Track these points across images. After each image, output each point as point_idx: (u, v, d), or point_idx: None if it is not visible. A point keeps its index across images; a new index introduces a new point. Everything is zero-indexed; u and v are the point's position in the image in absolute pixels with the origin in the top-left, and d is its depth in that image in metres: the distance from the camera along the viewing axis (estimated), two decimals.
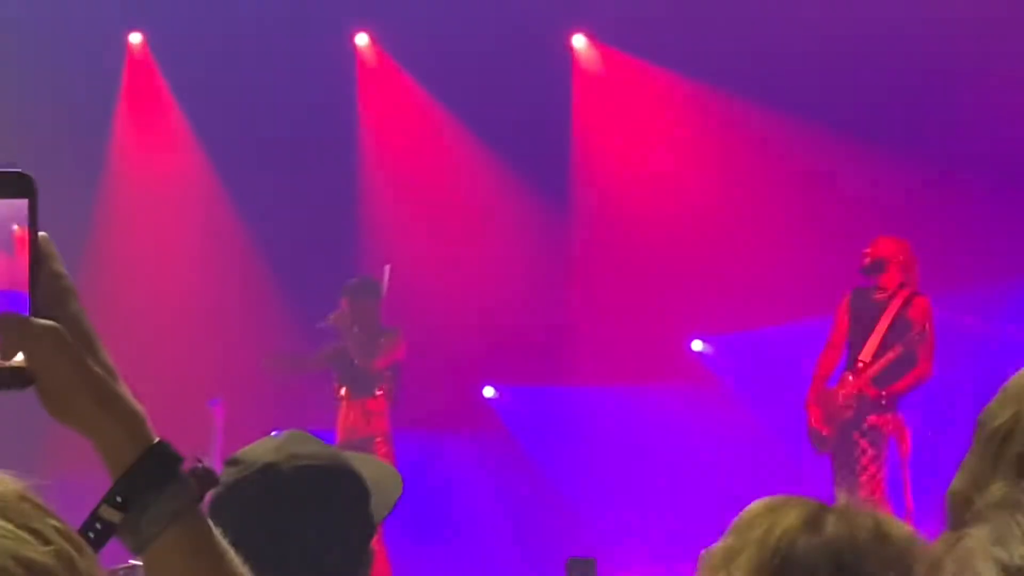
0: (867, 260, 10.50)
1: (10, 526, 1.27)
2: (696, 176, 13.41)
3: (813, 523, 2.36)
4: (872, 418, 10.14)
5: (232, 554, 1.70)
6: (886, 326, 10.24)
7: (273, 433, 3.17)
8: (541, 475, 13.79)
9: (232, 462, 2.99)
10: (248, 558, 2.58)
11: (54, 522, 1.31)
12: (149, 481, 1.62)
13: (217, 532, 1.69)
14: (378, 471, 3.15)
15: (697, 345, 13.88)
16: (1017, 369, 1.62)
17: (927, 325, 10.21)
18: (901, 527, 2.36)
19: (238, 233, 13.57)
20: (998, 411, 1.58)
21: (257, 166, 13.45)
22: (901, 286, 10.35)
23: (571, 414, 13.91)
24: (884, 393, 10.14)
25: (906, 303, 10.26)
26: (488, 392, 14.13)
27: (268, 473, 2.94)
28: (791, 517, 2.36)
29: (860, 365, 10.33)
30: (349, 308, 11.00)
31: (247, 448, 3.04)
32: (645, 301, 13.38)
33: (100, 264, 12.52)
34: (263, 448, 3.03)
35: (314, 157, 13.51)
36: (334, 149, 13.57)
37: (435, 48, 13.26)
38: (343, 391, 11.04)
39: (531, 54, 13.19)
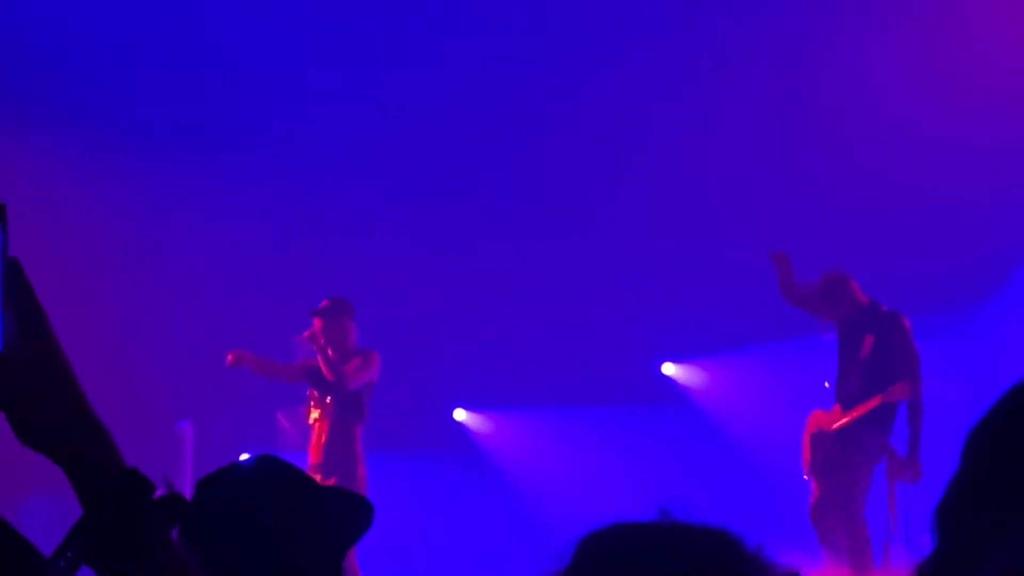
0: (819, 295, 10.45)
1: None
2: (667, 196, 13.43)
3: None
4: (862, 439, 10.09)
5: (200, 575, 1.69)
6: (867, 351, 10.18)
7: (243, 456, 3.16)
8: (513, 497, 13.78)
9: (202, 485, 2.97)
10: None
11: (20, 544, 1.30)
12: (120, 509, 1.61)
13: (187, 560, 1.67)
14: (348, 499, 3.15)
15: (668, 368, 13.89)
16: (1000, 383, 1.61)
17: (906, 343, 10.12)
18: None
19: (208, 252, 13.53)
20: (987, 430, 1.58)
21: (232, 186, 13.44)
22: (861, 311, 10.29)
23: (543, 436, 13.90)
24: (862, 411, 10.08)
25: (882, 324, 10.20)
26: (459, 414, 14.12)
27: (238, 497, 2.92)
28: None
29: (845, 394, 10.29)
30: (321, 328, 10.95)
31: (217, 471, 3.03)
32: (617, 323, 13.39)
33: (70, 286, 12.47)
34: (233, 472, 3.01)
35: (283, 176, 13.51)
36: (305, 168, 13.56)
37: None
38: (315, 413, 11.00)
39: None
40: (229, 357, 10.92)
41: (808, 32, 12.90)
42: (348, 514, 3.05)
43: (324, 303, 11.03)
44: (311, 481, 3.08)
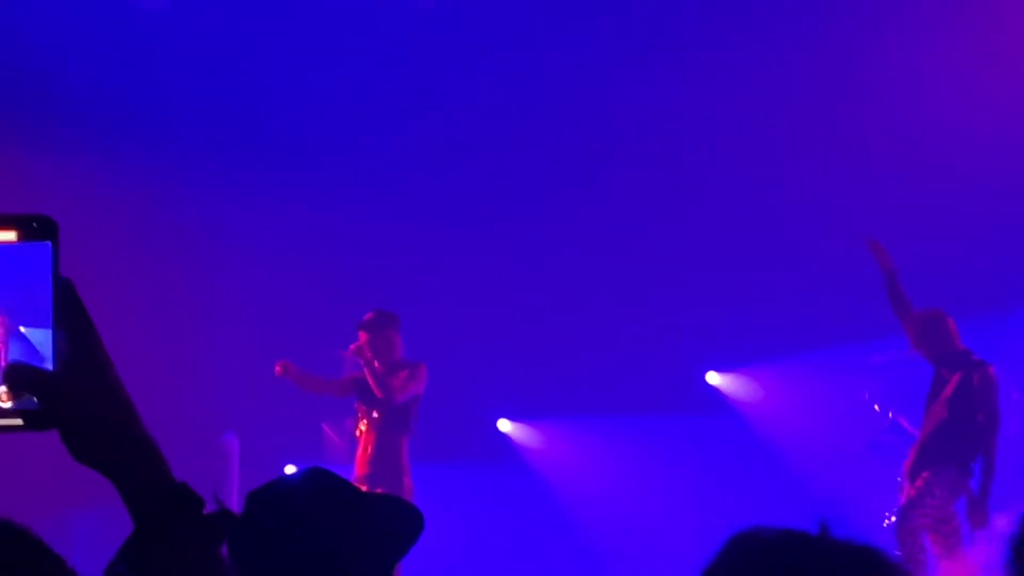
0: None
1: (13, 567, 1.27)
2: (713, 205, 13.42)
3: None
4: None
5: None
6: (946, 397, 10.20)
7: (289, 468, 3.17)
8: (558, 507, 13.76)
9: (252, 498, 2.99)
10: None
11: (57, 564, 1.31)
12: (171, 525, 1.62)
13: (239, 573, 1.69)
14: (398, 509, 3.15)
15: (712, 377, 13.87)
16: None
17: (989, 392, 10.12)
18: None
19: (253, 265, 13.57)
20: None
21: (274, 198, 13.49)
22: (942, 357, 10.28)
23: (587, 446, 13.88)
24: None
25: (970, 370, 10.20)
26: (504, 425, 14.12)
27: (287, 510, 2.93)
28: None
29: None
30: (368, 342, 10.94)
31: (266, 484, 3.04)
32: (661, 333, 13.38)
33: (116, 299, 12.53)
34: (282, 484, 3.03)
35: (330, 189, 13.55)
36: (352, 182, 13.60)
37: None
38: (362, 425, 11.00)
39: None
40: (277, 368, 10.92)
41: (843, 37, 12.88)
42: (397, 524, 3.05)
43: (369, 316, 11.02)
44: (359, 492, 3.08)
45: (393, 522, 3.03)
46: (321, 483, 3.03)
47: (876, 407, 12.30)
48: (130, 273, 13.07)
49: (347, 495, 3.02)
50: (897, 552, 9.91)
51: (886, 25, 12.87)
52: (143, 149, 13.20)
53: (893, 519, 10.18)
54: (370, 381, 10.82)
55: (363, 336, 10.92)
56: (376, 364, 10.79)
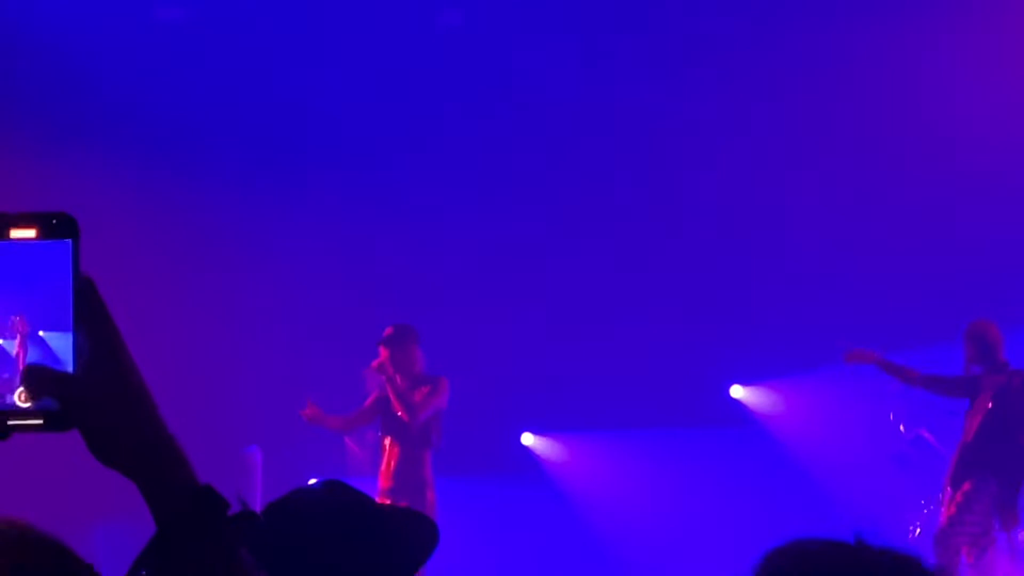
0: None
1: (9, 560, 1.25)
2: (733, 219, 13.41)
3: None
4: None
5: None
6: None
7: (311, 482, 3.17)
8: (582, 521, 13.74)
9: (269, 510, 2.99)
10: None
11: (85, 571, 1.30)
12: (196, 526, 1.61)
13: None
14: (414, 522, 3.15)
15: (736, 390, 13.84)
16: None
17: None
18: None
19: (277, 279, 13.60)
20: None
21: (304, 212, 13.53)
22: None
23: (611, 459, 13.86)
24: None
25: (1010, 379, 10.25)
26: (527, 439, 14.11)
27: (305, 522, 2.94)
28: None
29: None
30: (389, 358, 10.92)
31: (284, 496, 3.05)
32: (685, 346, 13.36)
33: (138, 307, 12.56)
34: (300, 497, 3.03)
35: (350, 205, 13.57)
36: (379, 195, 13.61)
37: None
38: (387, 439, 10.99)
39: None
40: (304, 413, 10.88)
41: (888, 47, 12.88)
42: (414, 536, 3.06)
43: (388, 331, 11.00)
44: (376, 504, 3.09)
45: (409, 535, 3.04)
46: (338, 495, 3.03)
47: (901, 427, 12.28)
48: (156, 286, 13.09)
49: (364, 507, 3.02)
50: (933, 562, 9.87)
51: (924, 26, 12.86)
52: (176, 157, 13.23)
53: (919, 531, 10.16)
54: (392, 399, 10.82)
55: (384, 352, 10.91)
56: (398, 380, 10.79)
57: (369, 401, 11.17)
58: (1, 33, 12.76)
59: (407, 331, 11.02)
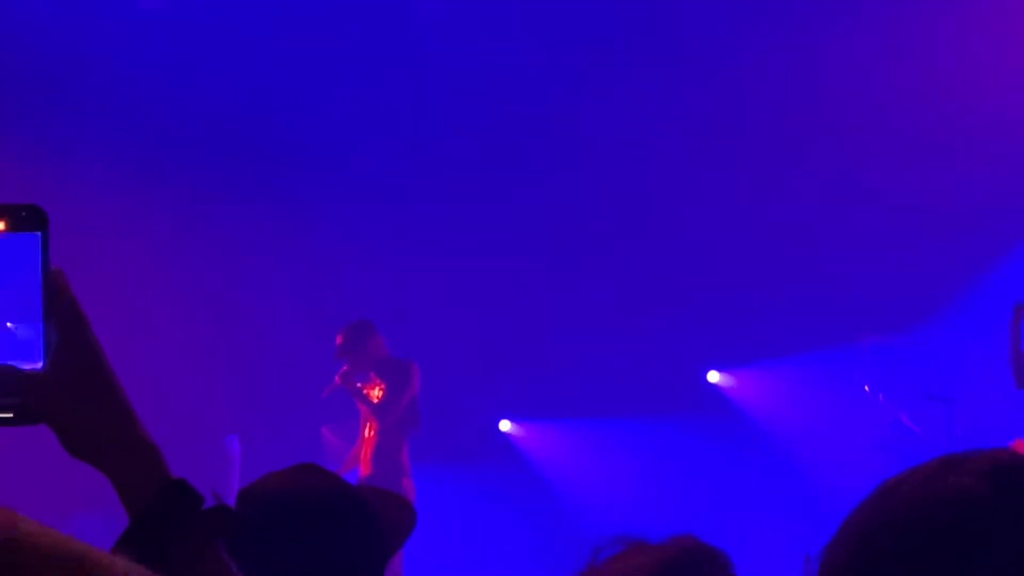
0: None
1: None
2: (710, 205, 13.42)
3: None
4: None
5: None
6: None
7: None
8: (559, 508, 13.76)
9: (242, 496, 2.98)
10: None
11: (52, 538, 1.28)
12: (168, 520, 1.60)
13: (233, 569, 1.66)
14: (391, 504, 3.14)
15: (713, 376, 13.87)
16: None
17: None
18: None
19: (257, 267, 13.58)
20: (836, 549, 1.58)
21: (278, 200, 13.51)
22: None
23: (589, 446, 13.88)
24: None
25: None
26: (504, 425, 14.12)
27: (278, 506, 2.92)
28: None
29: None
30: (351, 365, 10.91)
31: (256, 481, 3.03)
32: (662, 332, 13.37)
33: (115, 299, 12.54)
34: (272, 481, 3.02)
35: (332, 191, 13.57)
36: (354, 183, 13.60)
37: None
38: (364, 429, 11.01)
39: None
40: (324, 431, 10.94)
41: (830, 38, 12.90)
42: (391, 518, 3.04)
43: (339, 340, 10.94)
44: (352, 487, 3.07)
45: (386, 518, 3.02)
46: (311, 478, 3.02)
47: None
48: (133, 275, 13.07)
49: (338, 490, 3.01)
50: None
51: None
52: (148, 147, 13.20)
53: None
54: (364, 409, 10.87)
55: (344, 363, 10.89)
56: (364, 391, 10.83)
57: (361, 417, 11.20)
58: None
59: (359, 329, 10.98)
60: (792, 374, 13.27)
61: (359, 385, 10.96)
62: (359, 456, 11.00)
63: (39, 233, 1.57)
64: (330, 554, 2.90)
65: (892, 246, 12.84)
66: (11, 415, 1.56)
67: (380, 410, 10.81)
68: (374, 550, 2.98)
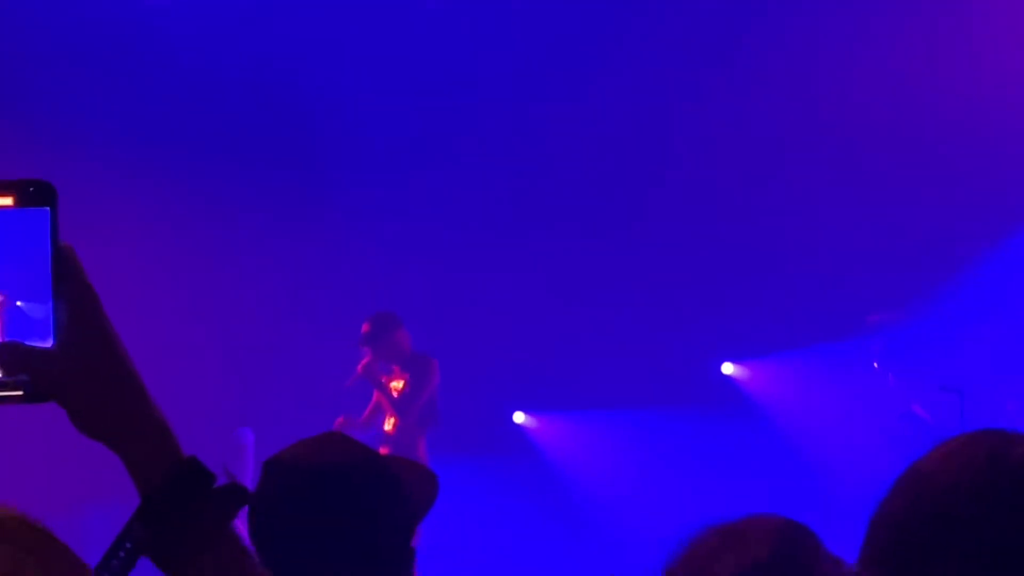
0: None
1: (14, 552, 1.23)
2: (724, 195, 13.40)
3: None
4: None
5: (262, 569, 1.66)
6: None
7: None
8: (573, 500, 13.75)
9: (270, 464, 2.97)
10: (290, 558, 2.55)
11: (59, 550, 1.28)
12: (181, 497, 1.58)
13: (248, 549, 1.65)
14: (413, 471, 3.14)
15: (728, 368, 13.85)
16: None
17: None
18: None
19: (272, 258, 13.58)
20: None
21: (292, 192, 13.52)
22: None
23: (603, 438, 13.87)
24: None
25: None
26: (519, 417, 14.11)
27: (307, 474, 2.92)
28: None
29: None
30: (374, 355, 10.90)
31: (284, 450, 3.03)
32: (677, 323, 13.36)
33: (127, 289, 12.54)
34: (299, 450, 3.01)
35: (346, 184, 13.56)
36: (367, 177, 13.60)
37: None
38: (387, 423, 11.01)
39: None
40: (338, 423, 10.84)
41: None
42: (415, 488, 3.04)
43: (365, 328, 10.93)
44: (377, 456, 3.07)
45: (412, 485, 3.02)
46: (338, 447, 3.01)
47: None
48: (142, 267, 13.07)
49: (365, 458, 3.00)
50: None
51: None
52: (165, 137, 13.20)
53: None
54: (386, 404, 10.86)
55: (368, 352, 10.87)
56: (388, 385, 10.82)
57: (374, 397, 11.18)
58: None
59: (385, 320, 10.98)
60: (806, 366, 13.25)
61: (383, 378, 10.96)
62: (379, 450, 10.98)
63: (47, 208, 1.55)
64: (358, 522, 2.89)
65: (905, 237, 12.81)
66: (20, 392, 1.54)
67: (401, 405, 10.80)
68: (401, 518, 2.97)
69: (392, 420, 10.97)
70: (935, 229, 12.70)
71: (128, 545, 1.56)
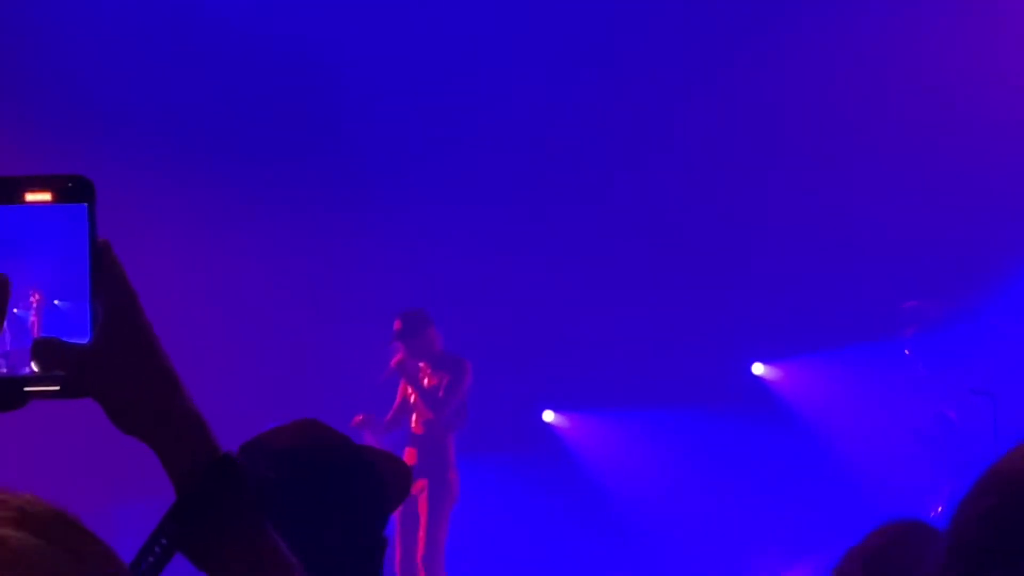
0: None
1: (50, 547, 1.23)
2: (756, 195, 13.39)
3: None
4: None
5: (296, 564, 1.66)
6: None
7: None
8: (602, 498, 13.75)
9: (245, 449, 2.97)
10: None
11: (95, 545, 1.27)
12: (218, 494, 1.58)
13: (282, 543, 1.65)
14: (388, 462, 3.14)
15: (758, 368, 13.82)
16: None
17: None
18: None
19: (296, 260, 13.58)
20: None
21: (311, 189, 13.53)
22: None
23: (632, 437, 13.86)
24: None
25: None
26: (548, 416, 14.11)
27: (281, 457, 2.92)
28: None
29: None
30: (406, 352, 10.86)
31: (261, 434, 3.03)
32: (707, 323, 13.34)
33: (162, 283, 12.54)
34: (275, 435, 3.01)
35: (372, 181, 13.58)
36: (392, 174, 13.61)
37: None
38: (417, 423, 10.96)
39: None
40: (357, 420, 10.79)
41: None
42: (390, 475, 3.04)
43: (397, 325, 10.89)
44: (353, 443, 3.07)
45: (386, 473, 3.02)
46: (314, 432, 3.02)
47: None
48: (175, 264, 13.10)
49: (341, 444, 3.01)
50: None
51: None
52: (174, 135, 13.22)
53: (942, 510, 10.12)
54: (419, 399, 10.83)
55: (400, 349, 10.84)
56: (423, 380, 10.79)
57: (399, 396, 11.14)
58: None
59: (418, 318, 10.94)
60: (837, 366, 13.22)
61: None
62: (407, 450, 10.95)
63: (85, 204, 1.54)
64: (331, 506, 2.89)
65: (938, 238, 12.77)
66: (57, 388, 1.53)
67: (436, 404, 10.77)
68: (374, 505, 2.98)
69: (419, 419, 10.93)
70: (970, 231, 12.65)
71: (164, 542, 1.56)
